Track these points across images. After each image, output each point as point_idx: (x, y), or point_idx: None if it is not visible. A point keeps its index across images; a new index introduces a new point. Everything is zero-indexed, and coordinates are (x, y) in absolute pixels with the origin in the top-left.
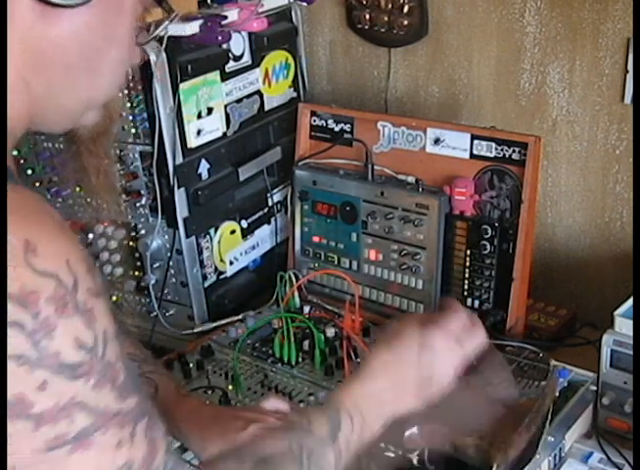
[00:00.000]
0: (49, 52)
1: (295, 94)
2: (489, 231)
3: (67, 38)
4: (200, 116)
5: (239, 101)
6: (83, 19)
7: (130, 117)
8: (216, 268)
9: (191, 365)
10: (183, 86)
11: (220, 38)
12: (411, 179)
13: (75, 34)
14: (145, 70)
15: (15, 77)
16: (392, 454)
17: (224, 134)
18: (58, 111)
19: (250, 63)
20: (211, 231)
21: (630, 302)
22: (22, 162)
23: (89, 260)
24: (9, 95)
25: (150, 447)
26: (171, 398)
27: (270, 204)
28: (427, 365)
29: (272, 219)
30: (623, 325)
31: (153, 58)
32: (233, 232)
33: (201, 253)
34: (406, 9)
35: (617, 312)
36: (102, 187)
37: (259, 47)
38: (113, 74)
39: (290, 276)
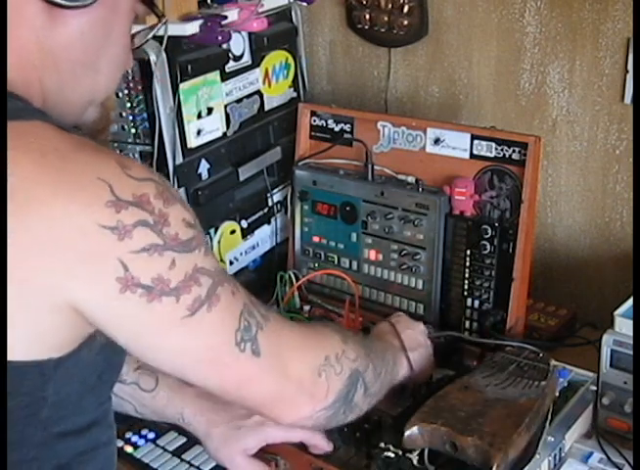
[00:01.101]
0: (58, 50)
1: (295, 94)
2: (489, 231)
3: (73, 37)
4: (200, 116)
5: (239, 101)
6: (87, 18)
7: (130, 117)
8: None
9: None
10: (183, 86)
11: (220, 38)
12: (411, 179)
13: (81, 33)
14: (145, 70)
15: (34, 77)
16: (392, 454)
17: (224, 134)
18: (64, 106)
19: (250, 63)
20: (211, 231)
21: (630, 302)
22: None
23: None
24: (27, 90)
25: (246, 291)
26: (174, 384)
27: (270, 204)
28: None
29: (272, 219)
30: (623, 325)
31: (153, 58)
32: (233, 232)
33: None
34: (406, 9)
35: (617, 312)
36: None
37: (259, 47)
38: (111, 72)
39: (290, 276)
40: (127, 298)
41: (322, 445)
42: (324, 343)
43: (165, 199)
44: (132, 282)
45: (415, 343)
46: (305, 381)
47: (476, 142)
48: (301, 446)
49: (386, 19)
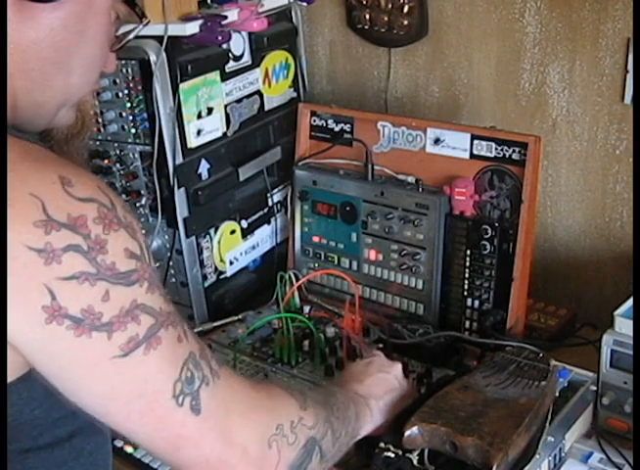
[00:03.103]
0: (25, 47)
1: (295, 94)
2: (489, 231)
3: (42, 33)
4: (200, 116)
5: (239, 101)
6: (58, 14)
7: (130, 118)
8: (216, 268)
9: None
10: (183, 86)
11: (220, 38)
12: (411, 179)
13: (50, 30)
14: (145, 70)
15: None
16: (392, 454)
17: (224, 134)
18: (34, 108)
19: (250, 63)
20: (211, 231)
21: (630, 302)
22: None
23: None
24: None
25: (199, 341)
26: None
27: (270, 204)
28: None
29: (272, 219)
30: (623, 325)
31: (153, 58)
32: (233, 232)
33: (201, 253)
34: (406, 9)
35: (617, 312)
36: None
37: (259, 47)
38: (85, 73)
39: (290, 276)
40: (54, 329)
41: None
42: (279, 409)
43: (107, 224)
44: (59, 312)
45: (385, 388)
46: (251, 450)
47: (476, 142)
48: None
49: (386, 19)
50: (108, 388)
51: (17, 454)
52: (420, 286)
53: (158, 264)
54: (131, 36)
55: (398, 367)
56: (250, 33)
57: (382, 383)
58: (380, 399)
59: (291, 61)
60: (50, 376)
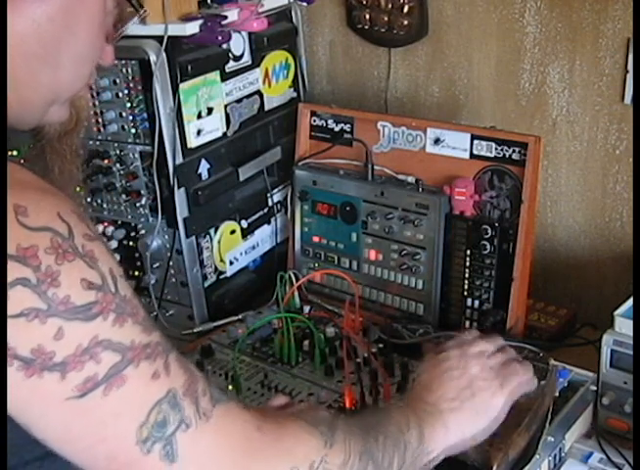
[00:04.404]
0: (10, 42)
1: (295, 94)
2: (489, 231)
3: (28, 28)
4: (200, 116)
5: (239, 101)
6: (44, 8)
7: (130, 117)
8: (216, 268)
9: None
10: (183, 86)
11: (220, 38)
12: (411, 179)
13: (36, 24)
14: (145, 70)
15: None
16: None
17: (224, 134)
18: (21, 105)
19: (250, 63)
20: (211, 231)
21: (630, 302)
22: (22, 162)
23: (81, 211)
24: None
25: (188, 375)
26: None
27: (270, 204)
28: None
29: (272, 219)
30: (623, 325)
31: (153, 58)
32: (233, 232)
33: (201, 253)
34: (406, 9)
35: (617, 312)
36: (64, 188)
37: (259, 47)
38: (76, 69)
39: (290, 276)
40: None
41: None
42: (293, 451)
43: (61, 254)
44: (8, 353)
45: (463, 393)
46: None
47: (476, 142)
48: None
49: (386, 19)
50: (65, 430)
51: None
52: (420, 286)
53: (157, 265)
54: (126, 27)
55: (480, 360)
56: (250, 33)
57: (457, 385)
58: (456, 408)
59: (291, 61)
60: (9, 410)
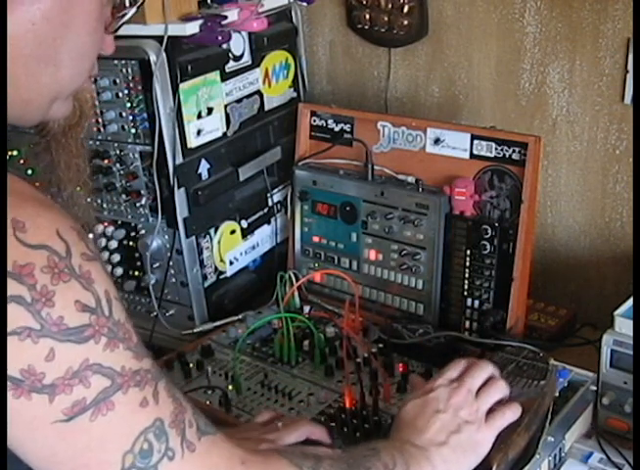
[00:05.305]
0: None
1: (295, 94)
2: (489, 231)
3: (23, 28)
4: (200, 116)
5: (239, 101)
6: (39, 7)
7: (130, 118)
8: (216, 268)
9: (191, 365)
10: (183, 86)
11: (220, 38)
12: (411, 179)
13: (31, 24)
14: (145, 70)
15: None
16: None
17: (224, 134)
18: (22, 106)
19: (250, 63)
20: (211, 231)
21: (630, 302)
22: (21, 162)
23: (80, 229)
24: None
25: (176, 405)
26: None
27: (270, 204)
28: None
29: (272, 219)
30: (623, 325)
31: (153, 58)
32: (233, 232)
33: (201, 253)
34: (406, 9)
35: (617, 312)
36: (72, 183)
37: (259, 47)
38: (76, 64)
39: (290, 276)
40: None
41: (324, 438)
42: None
43: (57, 274)
44: None
45: (447, 430)
46: None
47: (476, 142)
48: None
49: (386, 19)
50: (50, 452)
51: None
52: (420, 286)
53: (157, 265)
54: (126, 18)
55: (468, 401)
56: (250, 33)
57: (444, 425)
58: (443, 446)
59: (291, 61)
60: None
